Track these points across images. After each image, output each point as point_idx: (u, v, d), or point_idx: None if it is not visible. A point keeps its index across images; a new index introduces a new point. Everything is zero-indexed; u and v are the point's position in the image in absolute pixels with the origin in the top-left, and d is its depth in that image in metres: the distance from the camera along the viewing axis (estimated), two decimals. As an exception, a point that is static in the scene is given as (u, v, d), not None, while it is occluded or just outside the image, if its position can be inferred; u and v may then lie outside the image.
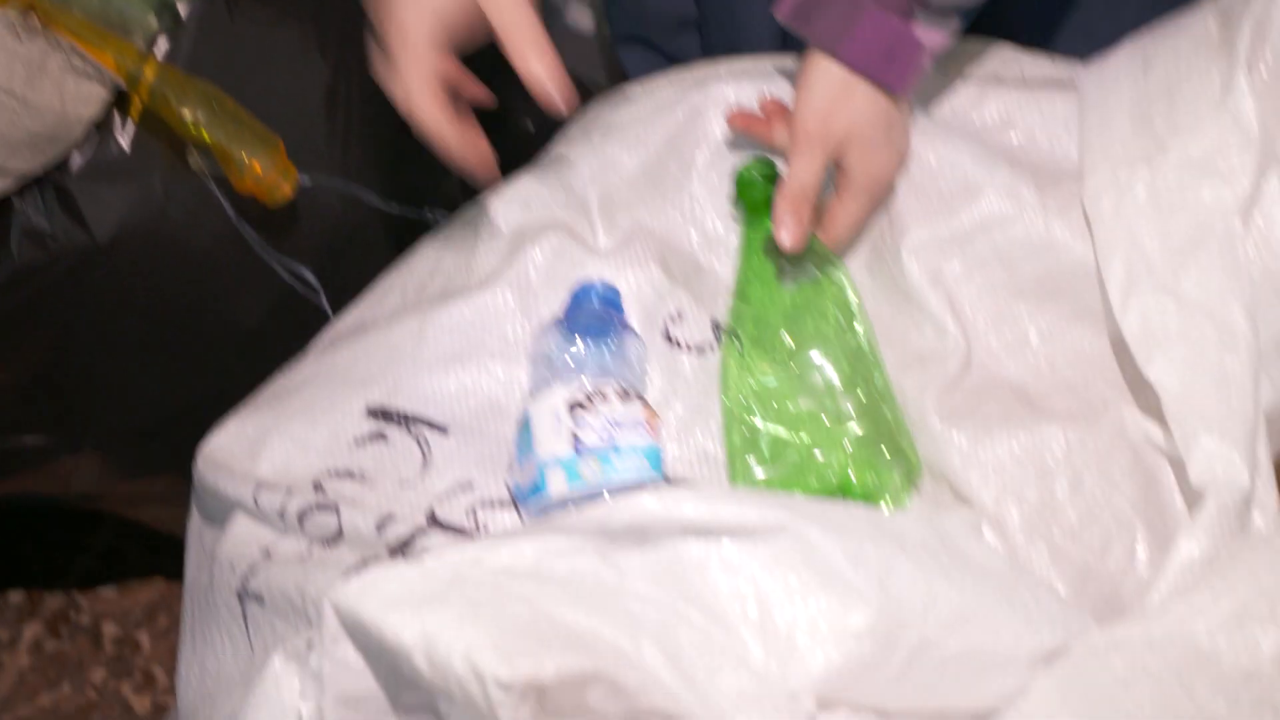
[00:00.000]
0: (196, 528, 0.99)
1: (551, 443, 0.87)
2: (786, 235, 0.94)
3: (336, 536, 0.85)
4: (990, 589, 0.73)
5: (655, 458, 0.88)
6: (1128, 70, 0.98)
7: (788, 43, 1.30)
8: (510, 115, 1.38)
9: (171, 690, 1.60)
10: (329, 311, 1.23)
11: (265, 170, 1.04)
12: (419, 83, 0.91)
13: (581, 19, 1.91)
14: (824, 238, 0.97)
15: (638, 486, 0.86)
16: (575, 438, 0.86)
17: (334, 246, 1.21)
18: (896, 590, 0.71)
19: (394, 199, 1.25)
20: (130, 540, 1.76)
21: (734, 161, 1.02)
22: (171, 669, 1.62)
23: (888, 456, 0.90)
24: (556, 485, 0.86)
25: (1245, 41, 0.90)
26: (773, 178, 0.99)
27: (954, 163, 0.98)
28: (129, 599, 1.73)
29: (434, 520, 0.88)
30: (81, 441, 1.23)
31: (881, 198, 0.98)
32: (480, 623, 0.62)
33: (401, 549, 0.82)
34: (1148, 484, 0.87)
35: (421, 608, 0.64)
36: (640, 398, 0.89)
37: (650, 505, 0.71)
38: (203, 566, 0.93)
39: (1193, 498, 0.85)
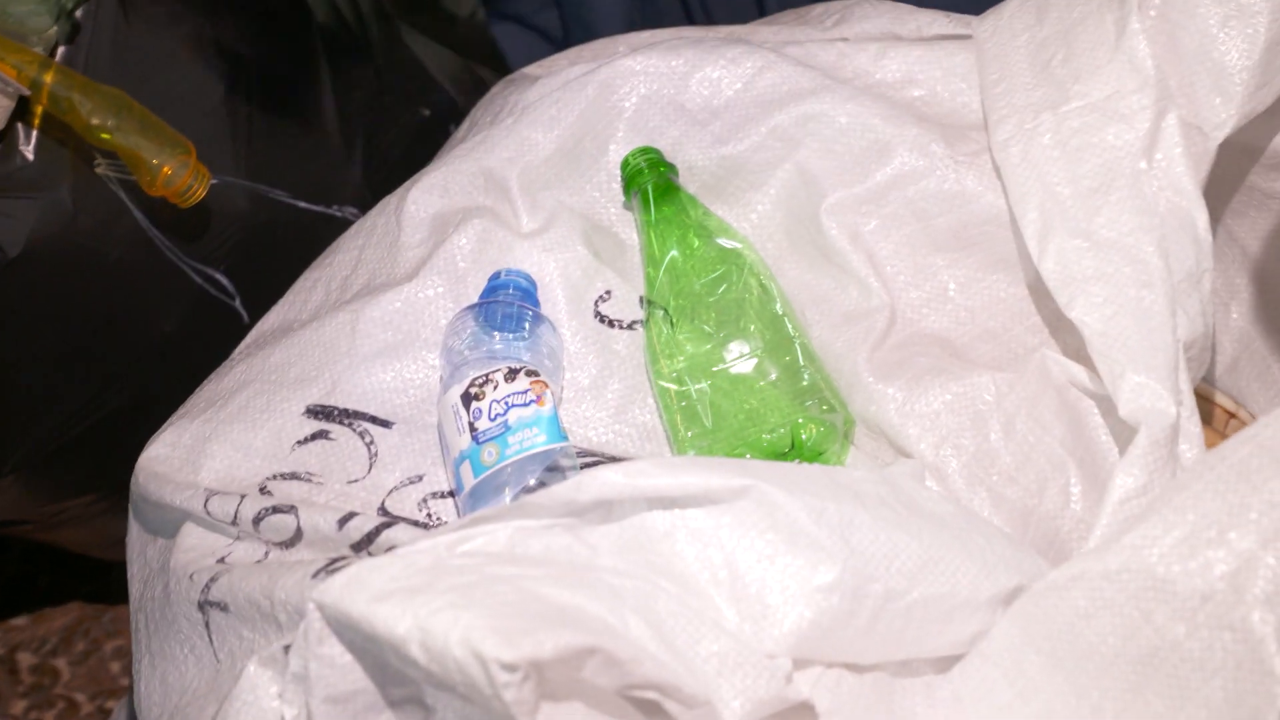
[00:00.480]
0: (138, 543, 0.98)
1: (456, 439, 0.88)
2: None
3: (295, 538, 0.85)
4: (946, 537, 0.75)
5: (547, 423, 0.88)
6: (1022, 20, 1.01)
7: (634, 20, 1.33)
8: (406, 104, 1.39)
9: (99, 714, 1.57)
10: (244, 314, 1.22)
11: (177, 173, 1.03)
12: None
13: (459, 5, 1.91)
14: None
15: (544, 456, 0.87)
16: (472, 428, 0.87)
17: (245, 247, 1.20)
18: (859, 544, 0.73)
19: (302, 196, 1.24)
20: (38, 566, 1.73)
21: (647, 134, 1.03)
22: (94, 694, 1.60)
23: (824, 413, 0.92)
24: (467, 479, 0.87)
25: (1139, -7, 0.94)
26: (657, 163, 1.00)
27: (863, 123, 1.00)
28: (43, 626, 1.69)
29: (386, 514, 0.88)
30: (1, 466, 1.21)
31: None
32: (473, 607, 0.63)
33: (365, 544, 0.82)
34: (1075, 424, 0.90)
35: (411, 598, 0.64)
36: (529, 373, 0.90)
37: (615, 479, 0.72)
38: (152, 581, 0.92)
39: (1119, 433, 0.88)
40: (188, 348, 1.19)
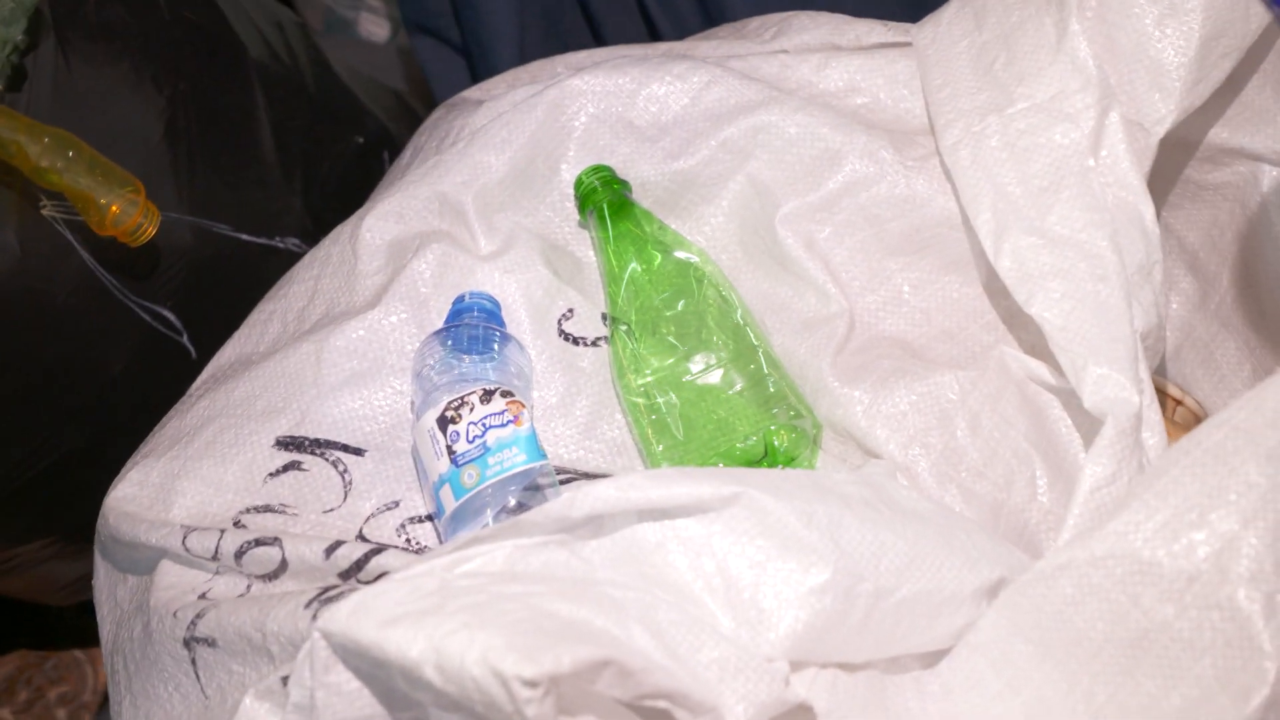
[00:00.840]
0: (107, 584, 0.97)
1: (435, 464, 0.88)
2: None
3: (279, 569, 0.85)
4: (929, 533, 0.77)
5: (526, 442, 0.89)
6: (961, 26, 1.03)
7: (525, 38, 1.34)
8: (341, 132, 1.39)
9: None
10: (192, 350, 1.21)
11: (126, 212, 1.02)
12: None
13: (375, 30, 1.91)
14: None
15: (524, 475, 0.87)
16: (450, 451, 0.88)
17: (191, 283, 1.19)
18: (848, 545, 0.74)
19: (244, 228, 1.24)
20: (-23, 614, 1.69)
21: (597, 153, 1.04)
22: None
23: (793, 419, 0.93)
24: (448, 502, 0.87)
25: (1075, -4, 0.96)
26: (610, 180, 1.01)
27: (812, 132, 1.02)
28: (-16, 676, 1.66)
29: (366, 541, 0.88)
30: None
31: None
32: (487, 626, 0.63)
33: (354, 571, 0.82)
34: (1036, 418, 0.93)
35: (422, 620, 0.64)
36: (504, 393, 0.90)
37: (608, 493, 0.73)
38: (127, 621, 0.91)
39: (1080, 425, 0.91)
40: (138, 387, 1.18)
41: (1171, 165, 1.01)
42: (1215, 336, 1.05)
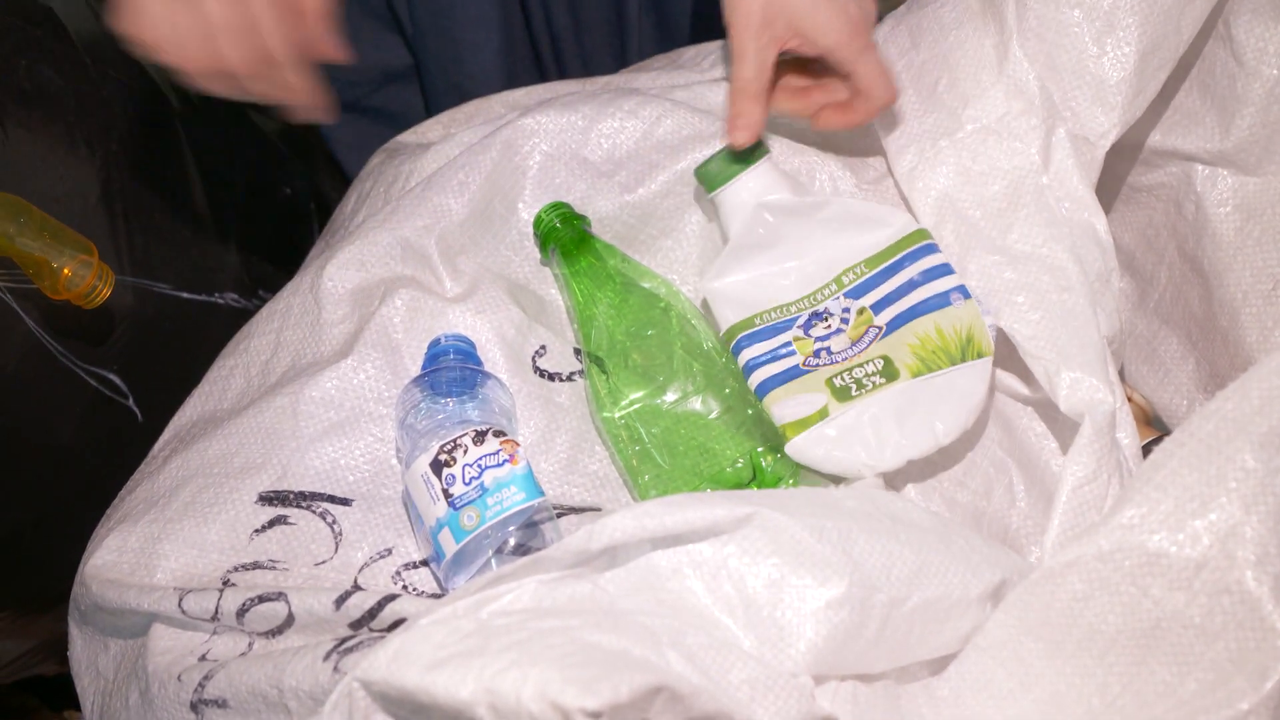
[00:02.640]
0: (85, 655, 0.95)
1: (431, 509, 0.88)
2: (743, 127, 0.98)
3: (285, 624, 0.84)
4: (932, 541, 0.79)
5: (524, 480, 0.89)
6: (896, 46, 1.06)
7: (513, 79, 1.34)
8: (269, 184, 1.38)
9: None
10: (138, 413, 1.19)
11: (79, 274, 1.00)
12: None
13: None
14: (863, 108, 0.99)
15: (523, 513, 0.88)
16: (447, 494, 0.88)
17: (135, 345, 1.17)
18: (859, 557, 0.75)
19: (183, 287, 1.22)
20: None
21: (554, 191, 1.04)
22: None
23: (775, 440, 0.95)
24: (448, 546, 0.87)
25: (1011, 10, 1.00)
26: (570, 217, 1.02)
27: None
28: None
29: (363, 591, 0.87)
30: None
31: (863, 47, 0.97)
32: (538, 662, 0.63)
33: (367, 620, 0.81)
34: (1007, 427, 0.96)
35: (469, 661, 0.64)
36: (497, 433, 0.91)
37: (625, 524, 0.73)
38: (115, 691, 0.90)
39: (1048, 432, 0.94)
40: (86, 454, 1.15)
41: (1107, 170, 1.05)
42: (1156, 334, 1.09)
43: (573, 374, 0.99)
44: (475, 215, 1.04)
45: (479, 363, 0.97)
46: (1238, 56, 1.00)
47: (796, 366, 0.96)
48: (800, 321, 0.98)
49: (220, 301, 1.26)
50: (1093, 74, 0.98)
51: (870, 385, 0.93)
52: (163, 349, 1.20)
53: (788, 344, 0.97)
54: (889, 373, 0.93)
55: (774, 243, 1.00)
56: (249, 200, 1.34)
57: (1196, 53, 1.02)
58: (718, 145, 1.03)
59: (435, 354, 0.96)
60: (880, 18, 1.08)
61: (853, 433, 0.92)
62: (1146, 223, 1.09)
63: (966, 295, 0.94)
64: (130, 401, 1.18)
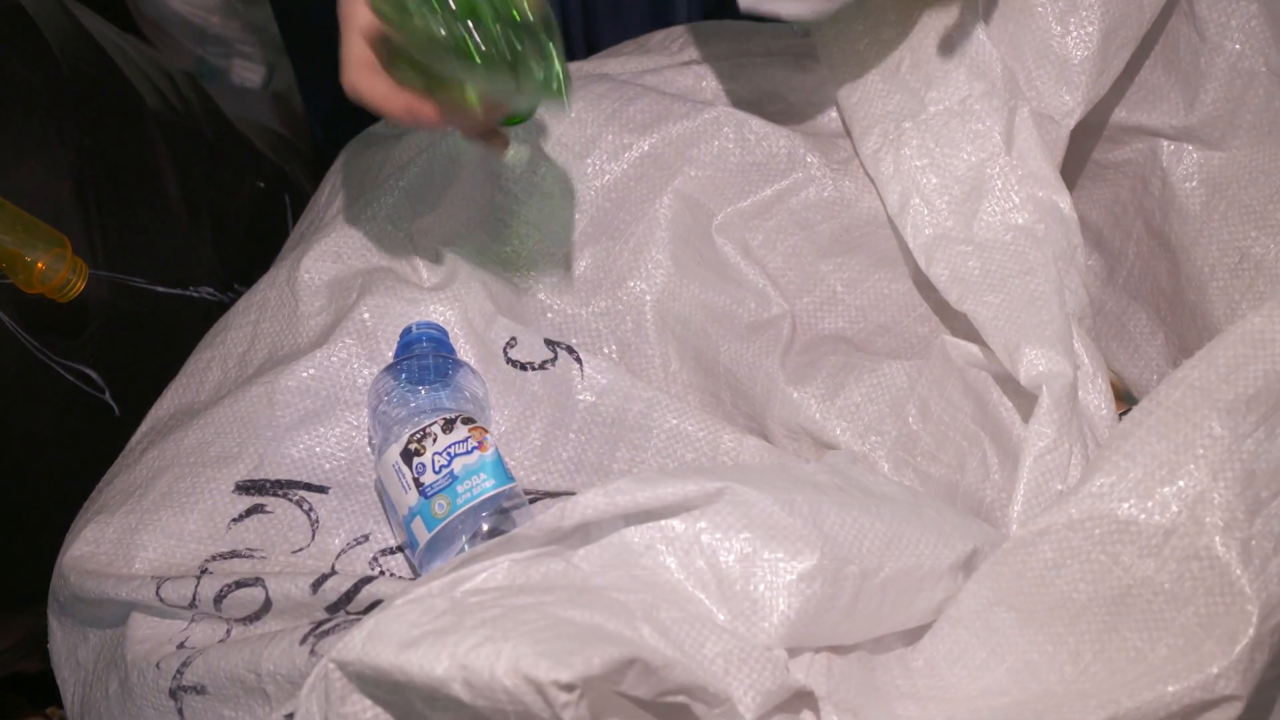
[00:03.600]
0: (65, 647, 0.95)
1: (403, 497, 0.88)
2: None
3: (262, 610, 0.84)
4: (903, 513, 0.79)
5: (493, 466, 0.89)
6: (860, 27, 1.07)
7: None
8: (242, 177, 1.38)
9: None
10: (115, 407, 1.19)
11: (53, 268, 1.00)
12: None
13: (249, 76, 1.90)
14: None
15: (493, 500, 0.88)
16: (418, 483, 0.88)
17: (110, 338, 1.18)
18: (831, 529, 0.76)
19: (158, 280, 1.22)
20: None
21: (532, 175, 1.05)
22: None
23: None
24: (421, 534, 0.87)
25: (976, -8, 1.01)
26: None
27: (737, 141, 1.04)
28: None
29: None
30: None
31: None
32: (511, 637, 0.64)
33: (344, 603, 0.82)
34: (979, 400, 0.96)
35: (442, 638, 0.64)
36: (465, 420, 0.91)
37: (597, 501, 0.74)
38: (96, 681, 0.90)
39: (1018, 404, 0.94)
40: (63, 448, 1.15)
41: (1073, 148, 1.06)
42: (1126, 309, 1.10)
43: (544, 362, 1.00)
44: (451, 203, 1.04)
45: (451, 350, 0.97)
46: (1200, 32, 1.01)
47: None
48: None
49: (195, 295, 1.26)
50: (1056, 53, 0.99)
51: None
52: (139, 343, 1.20)
53: None
54: None
55: None
56: (222, 194, 1.34)
57: (1160, 29, 1.03)
58: (685, 125, 1.04)
59: (407, 342, 0.96)
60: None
61: None
62: (1114, 199, 1.09)
63: None
64: (107, 395, 1.18)
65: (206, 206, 1.31)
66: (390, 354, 0.97)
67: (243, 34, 1.84)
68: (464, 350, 0.98)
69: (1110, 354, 1.11)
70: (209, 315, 1.15)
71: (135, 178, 1.22)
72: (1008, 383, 0.96)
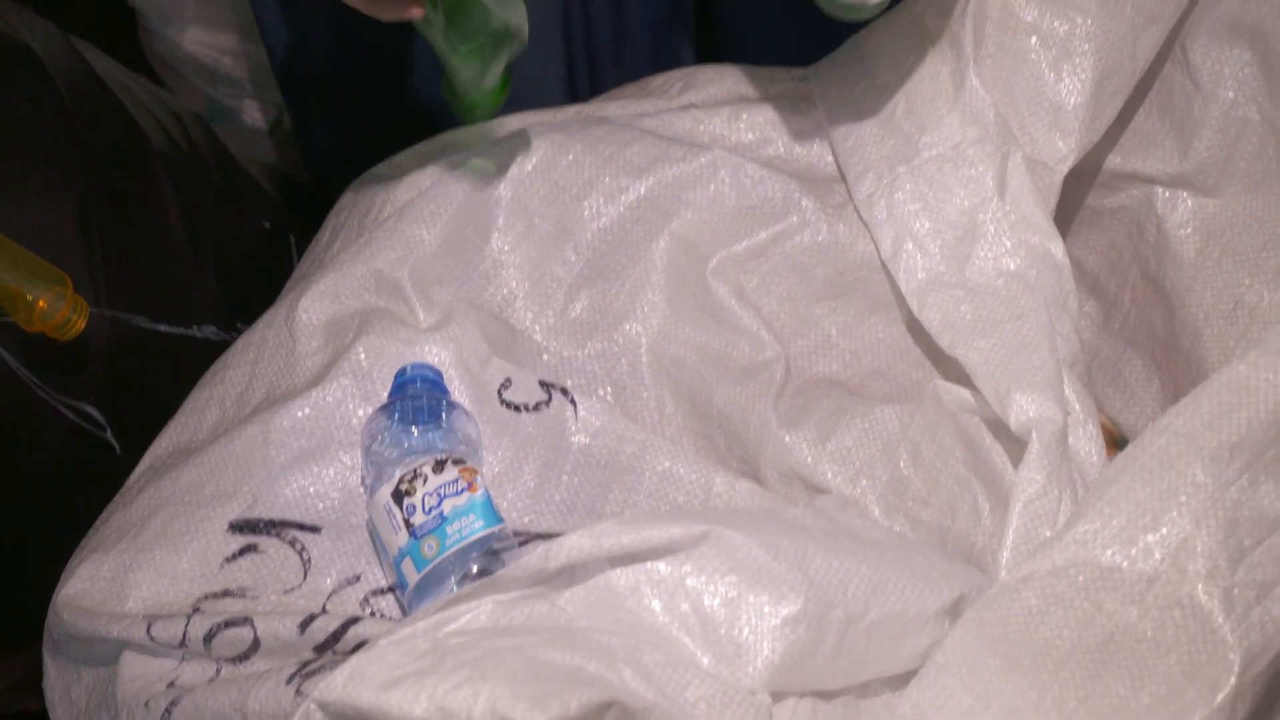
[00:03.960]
0: (59, 685, 0.95)
1: (393, 538, 0.89)
2: None
3: (251, 649, 0.84)
4: (889, 558, 0.80)
5: (482, 507, 0.89)
6: (858, 69, 1.08)
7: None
8: (247, 217, 1.39)
9: None
10: (116, 445, 1.20)
11: (54, 306, 1.01)
12: None
13: (258, 116, 1.92)
14: None
15: (483, 541, 0.88)
16: (408, 524, 0.88)
17: (112, 377, 1.18)
18: (816, 574, 0.76)
19: (161, 319, 1.23)
20: None
21: (527, 217, 1.06)
22: None
23: None
24: (411, 575, 0.88)
25: (969, 38, 1.01)
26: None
27: (734, 184, 1.05)
28: None
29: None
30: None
31: None
32: (489, 678, 0.64)
33: (331, 644, 0.82)
34: (971, 445, 0.96)
35: (422, 680, 0.65)
36: (456, 461, 0.91)
37: (582, 543, 0.74)
38: (92, 718, 0.90)
39: (1010, 450, 0.95)
40: (64, 487, 1.16)
41: (1068, 194, 1.07)
42: (1121, 355, 1.10)
43: (539, 404, 1.00)
44: (448, 245, 1.05)
45: (445, 391, 0.97)
46: (1194, 79, 1.01)
47: None
48: None
49: (199, 334, 1.27)
50: (1049, 100, 0.99)
51: None
52: (140, 382, 1.20)
53: None
54: None
55: None
56: (227, 234, 1.35)
57: (1154, 76, 1.03)
58: (683, 169, 1.05)
59: (401, 383, 0.96)
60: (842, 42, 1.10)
61: None
62: (1109, 245, 1.10)
63: None
64: (108, 434, 1.19)
65: (211, 245, 1.32)
66: (385, 394, 0.98)
67: (253, 75, 1.85)
68: (458, 391, 0.99)
69: (1106, 400, 1.11)
70: (211, 354, 1.15)
71: (140, 217, 1.23)
72: (1000, 428, 0.97)
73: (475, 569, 0.87)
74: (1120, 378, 1.10)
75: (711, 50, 1.37)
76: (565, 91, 1.37)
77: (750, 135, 1.10)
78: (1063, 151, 1.00)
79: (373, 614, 0.90)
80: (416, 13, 0.92)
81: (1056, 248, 0.98)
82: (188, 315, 1.27)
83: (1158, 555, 0.72)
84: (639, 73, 1.29)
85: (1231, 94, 1.00)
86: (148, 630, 0.86)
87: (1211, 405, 0.74)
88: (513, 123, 1.19)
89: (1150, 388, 1.08)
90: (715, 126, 1.10)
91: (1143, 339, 1.08)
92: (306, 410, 0.97)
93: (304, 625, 0.83)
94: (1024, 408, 0.90)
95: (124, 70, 1.36)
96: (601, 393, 1.03)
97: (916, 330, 1.02)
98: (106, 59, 1.34)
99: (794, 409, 0.98)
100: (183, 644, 0.85)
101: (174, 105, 1.41)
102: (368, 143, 1.27)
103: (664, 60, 1.37)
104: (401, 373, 0.97)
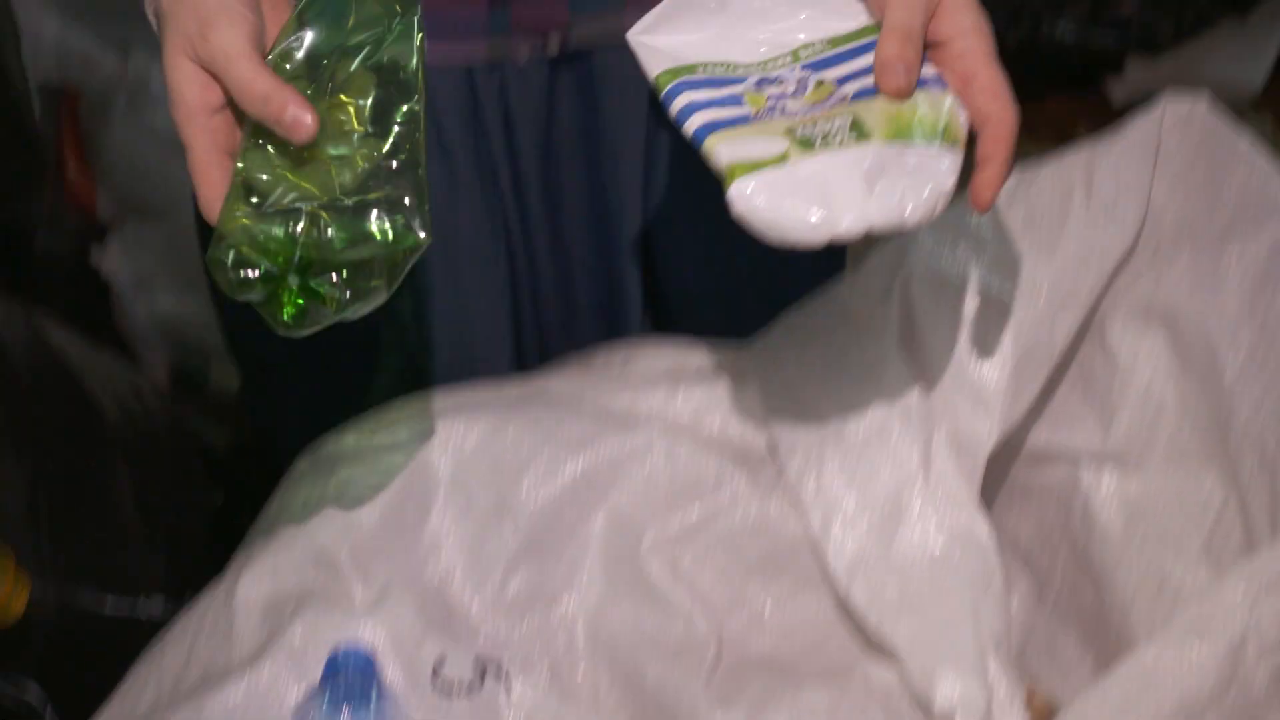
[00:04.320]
0: None
1: None
2: (898, 77, 0.85)
3: None
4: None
5: None
6: (788, 349, 1.11)
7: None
8: (201, 490, 1.41)
9: None
10: (56, 726, 1.19)
11: (-6, 585, 1.02)
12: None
13: (228, 381, 1.95)
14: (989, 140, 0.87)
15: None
16: None
17: (54, 656, 1.18)
18: None
19: (109, 590, 1.24)
20: None
21: (467, 494, 1.07)
22: None
23: None
24: None
25: (894, 320, 1.05)
26: None
27: (668, 462, 1.07)
28: None
29: None
30: None
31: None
32: None
33: None
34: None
35: None
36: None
37: None
38: None
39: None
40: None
41: (998, 469, 1.09)
42: (1055, 632, 1.11)
43: (471, 685, 1.00)
44: (387, 523, 1.07)
45: (374, 675, 0.97)
46: (1112, 359, 1.05)
47: (747, 116, 0.87)
48: (751, 81, 0.90)
49: (145, 607, 1.28)
50: (971, 380, 1.03)
51: (838, 140, 0.84)
52: (83, 660, 1.20)
53: (737, 96, 0.88)
54: (860, 131, 0.84)
55: (720, 7, 0.95)
56: (180, 509, 1.37)
57: (1073, 354, 1.07)
58: (618, 447, 1.07)
59: (332, 670, 0.96)
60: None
61: (812, 185, 0.82)
62: (1040, 521, 1.12)
63: (944, 86, 0.87)
64: (47, 711, 1.18)
65: (162, 519, 1.34)
66: (318, 676, 0.98)
67: (220, 341, 1.89)
68: (392, 672, 0.99)
69: (1043, 677, 1.12)
70: (158, 628, 1.15)
71: (91, 494, 1.25)
72: (929, 709, 0.97)
73: None
74: (1056, 654, 1.11)
75: (657, 322, 1.41)
76: (513, 364, 1.40)
77: (687, 411, 1.13)
78: (985, 431, 1.03)
79: None
80: None
81: (981, 529, 0.99)
82: (135, 587, 1.28)
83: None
84: (588, 343, 1.33)
85: (1148, 374, 1.04)
86: None
87: (1119, 694, 0.75)
88: (457, 398, 1.22)
89: (1084, 665, 1.08)
90: (653, 403, 1.13)
91: (1075, 615, 1.09)
92: (240, 694, 0.96)
93: None
94: (948, 690, 0.91)
95: (85, 345, 1.40)
96: (538, 669, 1.03)
97: (847, 608, 1.03)
98: (67, 333, 1.37)
99: (726, 690, 0.98)
100: None
101: (135, 378, 1.44)
102: (316, 418, 1.30)
103: (614, 331, 1.41)
104: (332, 657, 0.97)
